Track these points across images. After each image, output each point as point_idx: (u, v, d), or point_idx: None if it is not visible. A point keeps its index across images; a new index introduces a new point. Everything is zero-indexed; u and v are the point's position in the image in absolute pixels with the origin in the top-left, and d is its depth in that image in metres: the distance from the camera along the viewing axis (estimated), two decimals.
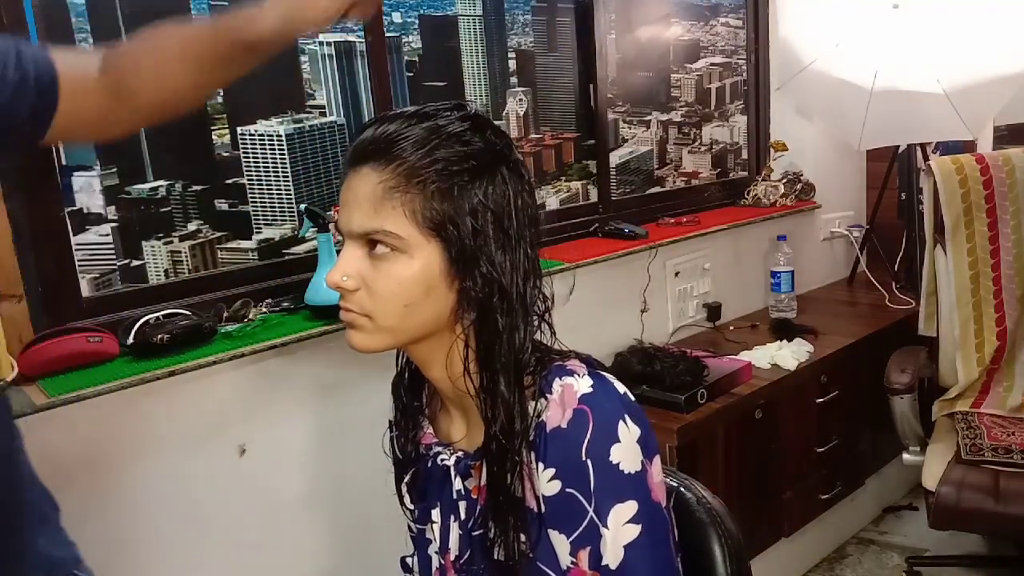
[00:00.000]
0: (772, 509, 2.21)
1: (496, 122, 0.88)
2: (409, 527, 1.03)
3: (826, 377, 2.31)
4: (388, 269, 0.79)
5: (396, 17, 2.09)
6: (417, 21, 2.15)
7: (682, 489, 0.98)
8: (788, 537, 2.28)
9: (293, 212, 1.87)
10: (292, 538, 1.68)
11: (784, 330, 2.46)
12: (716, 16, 2.93)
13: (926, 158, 2.61)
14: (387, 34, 1.97)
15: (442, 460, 0.90)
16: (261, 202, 1.86)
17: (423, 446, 0.95)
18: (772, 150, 2.89)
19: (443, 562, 0.92)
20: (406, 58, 2.11)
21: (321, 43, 1.92)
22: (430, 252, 0.79)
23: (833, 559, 2.55)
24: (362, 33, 1.92)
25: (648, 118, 2.74)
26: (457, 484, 0.89)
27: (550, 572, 0.82)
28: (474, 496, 0.87)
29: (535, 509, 0.81)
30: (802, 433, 2.27)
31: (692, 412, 1.93)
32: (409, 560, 1.07)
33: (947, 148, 2.75)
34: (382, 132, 0.80)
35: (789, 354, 2.24)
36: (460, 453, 0.89)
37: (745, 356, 2.22)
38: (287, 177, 1.86)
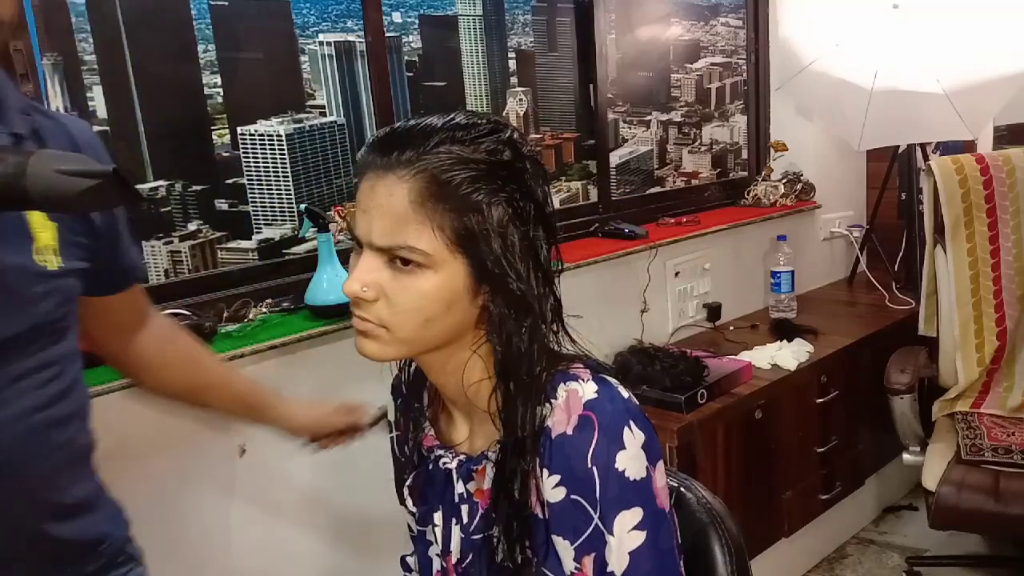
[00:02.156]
0: (772, 509, 2.21)
1: None
2: (409, 527, 1.03)
3: (826, 377, 2.31)
4: (411, 283, 0.76)
5: (396, 17, 2.09)
6: (417, 21, 2.15)
7: (682, 489, 0.98)
8: (788, 537, 2.28)
9: (293, 212, 1.87)
10: (292, 538, 1.68)
11: (784, 330, 2.46)
12: (716, 16, 2.93)
13: (926, 158, 2.61)
14: (387, 34, 1.97)
15: (444, 463, 0.90)
16: (261, 202, 1.86)
17: (424, 448, 0.95)
18: (772, 150, 2.90)
19: (444, 564, 0.92)
20: (406, 58, 2.11)
21: (321, 43, 1.92)
22: (455, 267, 0.76)
23: (833, 559, 2.55)
24: (362, 33, 1.92)
25: (648, 118, 2.74)
26: (459, 487, 0.88)
27: None
28: (476, 499, 0.87)
29: (540, 515, 0.81)
30: (802, 433, 2.26)
31: (692, 412, 1.93)
32: (409, 559, 1.07)
33: (947, 148, 2.75)
34: (410, 141, 0.76)
35: (789, 354, 2.24)
36: (462, 456, 0.89)
37: (745, 356, 2.22)
38: (287, 177, 1.86)
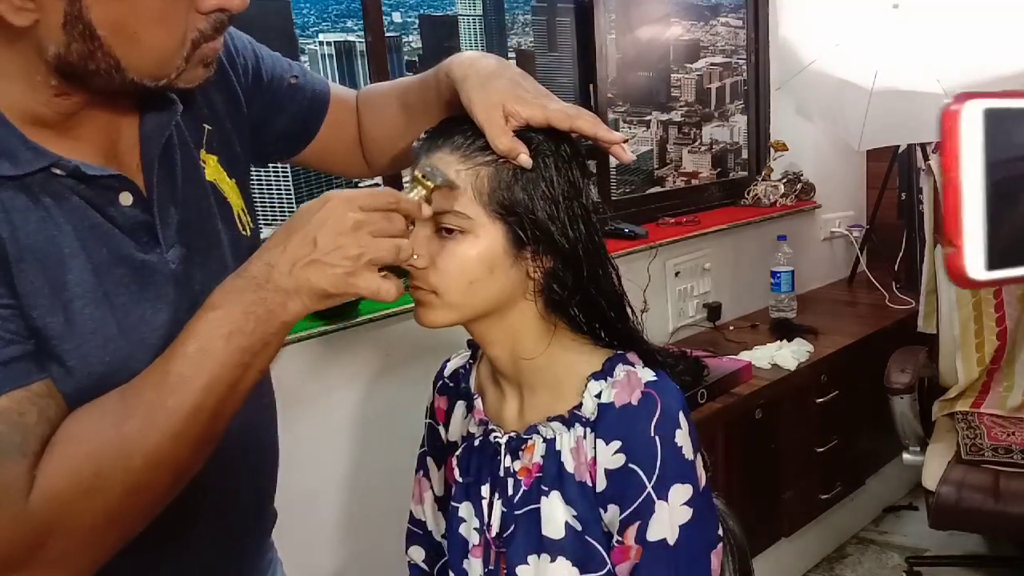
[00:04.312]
0: (772, 509, 2.21)
1: None
2: (411, 514, 1.07)
3: (826, 377, 2.31)
4: (454, 248, 0.82)
5: (396, 17, 2.09)
6: (417, 21, 2.15)
7: None
8: (788, 537, 2.28)
9: (293, 212, 1.87)
10: (296, 536, 1.67)
11: (784, 330, 2.46)
12: (716, 16, 2.93)
13: (926, 158, 2.61)
14: (387, 34, 1.97)
15: (494, 437, 0.91)
16: (261, 202, 1.86)
17: (476, 421, 0.96)
18: (772, 150, 2.90)
19: (487, 538, 0.91)
20: (406, 58, 2.11)
21: (321, 43, 1.92)
22: (494, 232, 0.82)
23: (833, 559, 2.55)
24: (362, 33, 1.92)
25: (648, 118, 2.74)
26: (507, 462, 0.90)
27: (598, 547, 0.85)
28: (520, 477, 0.89)
29: (589, 483, 0.85)
30: (802, 433, 2.27)
31: (692, 412, 1.93)
32: (413, 552, 1.09)
33: None
34: (457, 120, 0.85)
35: (789, 354, 2.24)
36: (512, 433, 0.90)
37: (745, 356, 2.22)
38: (287, 177, 1.86)
